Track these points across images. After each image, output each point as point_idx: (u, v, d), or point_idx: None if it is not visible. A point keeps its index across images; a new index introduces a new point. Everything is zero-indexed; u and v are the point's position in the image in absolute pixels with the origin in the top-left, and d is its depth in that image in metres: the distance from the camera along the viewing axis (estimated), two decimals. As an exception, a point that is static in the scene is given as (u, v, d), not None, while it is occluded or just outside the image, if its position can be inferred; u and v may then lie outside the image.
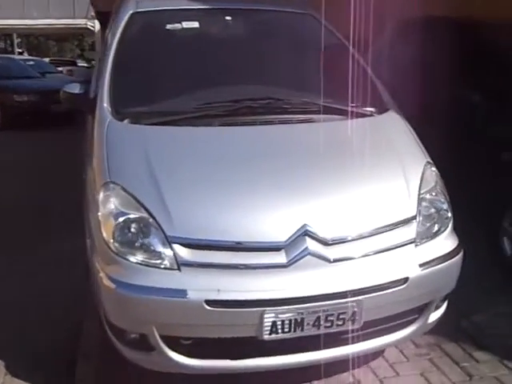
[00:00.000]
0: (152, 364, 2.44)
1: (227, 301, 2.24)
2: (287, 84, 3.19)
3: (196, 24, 3.45)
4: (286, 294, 2.27)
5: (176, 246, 2.31)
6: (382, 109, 3.07)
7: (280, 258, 2.31)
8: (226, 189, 2.46)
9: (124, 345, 2.42)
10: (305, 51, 3.41)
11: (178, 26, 3.42)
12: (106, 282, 2.35)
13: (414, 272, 2.43)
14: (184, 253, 2.30)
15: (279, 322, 2.28)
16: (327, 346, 2.38)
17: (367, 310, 2.36)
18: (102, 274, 2.38)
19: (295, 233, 2.33)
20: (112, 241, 2.36)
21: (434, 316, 2.63)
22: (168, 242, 2.31)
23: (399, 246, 2.46)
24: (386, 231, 2.45)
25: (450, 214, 2.65)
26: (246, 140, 2.74)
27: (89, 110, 3.22)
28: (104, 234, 2.40)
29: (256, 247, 2.32)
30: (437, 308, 2.62)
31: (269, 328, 2.28)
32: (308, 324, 2.31)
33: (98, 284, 2.43)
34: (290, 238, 2.32)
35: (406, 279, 2.40)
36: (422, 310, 2.56)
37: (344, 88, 3.17)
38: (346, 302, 2.32)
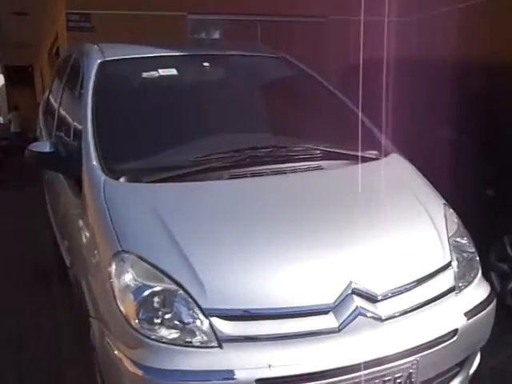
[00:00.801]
0: None
1: (282, 377, 1.97)
2: (283, 130, 3.01)
3: (174, 71, 3.22)
4: (342, 362, 2.03)
5: (214, 320, 2.01)
6: (383, 151, 2.97)
7: (330, 322, 2.07)
8: (259, 250, 2.21)
9: None
10: (292, 96, 3.28)
11: (154, 73, 3.18)
12: (132, 368, 2.00)
13: (461, 322, 2.28)
14: (224, 326, 2.01)
15: None
16: None
17: (422, 369, 2.17)
18: (124, 360, 2.03)
19: (342, 292, 2.11)
20: (135, 319, 2.03)
21: (473, 368, 2.49)
22: (204, 315, 2.01)
23: (442, 296, 2.31)
24: (428, 281, 2.30)
25: (477, 258, 2.55)
26: (261, 193, 2.51)
27: (63, 170, 2.88)
28: (124, 313, 2.05)
29: (303, 312, 2.07)
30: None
31: None
32: None
33: (117, 373, 2.07)
34: (337, 298, 2.10)
35: (455, 331, 2.25)
36: (464, 362, 2.41)
37: (341, 132, 3.08)
38: (403, 363, 2.12)
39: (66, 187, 2.97)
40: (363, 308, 2.11)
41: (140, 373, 1.98)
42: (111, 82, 3.08)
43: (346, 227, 2.36)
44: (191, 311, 2.02)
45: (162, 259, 2.13)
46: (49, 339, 3.47)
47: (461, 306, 2.33)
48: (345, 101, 3.27)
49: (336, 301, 2.10)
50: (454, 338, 2.23)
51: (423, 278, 2.29)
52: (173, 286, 2.06)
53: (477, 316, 2.34)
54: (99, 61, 3.16)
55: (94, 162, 2.57)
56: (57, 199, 3.38)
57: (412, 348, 2.13)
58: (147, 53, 3.35)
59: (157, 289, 2.06)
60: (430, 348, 2.17)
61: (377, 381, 2.08)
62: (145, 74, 3.18)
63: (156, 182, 2.48)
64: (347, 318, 2.08)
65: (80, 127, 2.82)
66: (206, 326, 2.01)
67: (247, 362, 1.97)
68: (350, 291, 2.11)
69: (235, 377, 1.94)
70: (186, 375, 1.96)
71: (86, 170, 2.57)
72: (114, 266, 2.14)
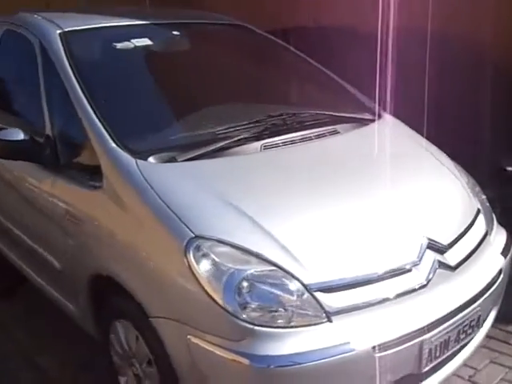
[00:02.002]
0: None
1: (395, 339, 1.95)
2: (279, 98, 2.92)
3: (148, 41, 2.93)
4: (436, 315, 2.07)
5: (318, 295, 1.91)
6: (377, 113, 3.02)
7: (418, 278, 2.09)
8: (336, 217, 2.14)
9: None
10: (274, 64, 3.19)
11: (129, 44, 2.87)
12: (239, 360, 1.83)
13: (502, 262, 2.44)
14: (328, 300, 1.92)
15: (433, 348, 2.07)
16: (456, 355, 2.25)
17: (483, 310, 2.30)
18: (225, 354, 1.86)
19: (421, 247, 2.14)
20: (235, 309, 1.85)
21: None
22: (308, 291, 1.91)
23: (483, 240, 2.45)
24: (472, 226, 2.43)
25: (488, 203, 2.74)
26: (303, 161, 2.43)
27: (47, 160, 2.50)
28: (221, 304, 1.87)
29: (395, 273, 2.06)
30: None
31: (426, 358, 2.05)
32: (451, 341, 2.15)
33: (217, 370, 1.90)
34: (419, 254, 2.12)
35: (500, 270, 2.41)
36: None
37: (330, 96, 3.07)
38: (475, 308, 2.22)
39: (46, 182, 2.59)
40: (439, 260, 2.17)
41: (251, 363, 1.83)
42: (85, 56, 2.72)
43: (395, 184, 2.38)
44: (294, 290, 1.90)
45: (244, 239, 1.96)
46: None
47: (496, 248, 2.49)
48: (318, 66, 3.25)
49: (418, 256, 2.12)
50: (501, 277, 2.39)
51: (470, 224, 2.41)
52: (268, 267, 1.92)
53: (508, 255, 2.53)
54: (59, 32, 2.77)
55: (113, 145, 2.27)
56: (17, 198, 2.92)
57: (479, 292, 2.24)
58: (105, 22, 3.01)
59: (251, 271, 1.90)
60: (489, 289, 2.30)
61: (460, 328, 2.16)
62: (118, 46, 2.85)
63: (191, 160, 2.28)
64: (430, 271, 2.12)
65: (68, 110, 2.47)
66: (312, 302, 1.90)
67: (359, 330, 1.92)
68: (426, 245, 2.15)
69: (352, 348, 1.87)
70: (302, 357, 1.84)
71: (106, 155, 2.26)
72: (191, 256, 1.92)
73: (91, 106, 2.38)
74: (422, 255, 2.12)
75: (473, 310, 2.20)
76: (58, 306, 2.84)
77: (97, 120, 2.33)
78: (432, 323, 2.04)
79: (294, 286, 1.90)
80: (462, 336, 2.19)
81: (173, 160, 2.26)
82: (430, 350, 2.05)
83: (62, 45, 2.68)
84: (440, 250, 2.20)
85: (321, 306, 1.90)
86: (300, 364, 1.83)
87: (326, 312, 1.90)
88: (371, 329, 1.93)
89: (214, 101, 2.69)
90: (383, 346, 1.92)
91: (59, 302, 2.82)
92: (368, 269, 2.02)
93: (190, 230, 1.97)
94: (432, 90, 3.43)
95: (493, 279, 2.33)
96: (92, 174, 2.33)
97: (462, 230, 2.35)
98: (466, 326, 2.19)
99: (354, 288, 1.97)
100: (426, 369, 2.08)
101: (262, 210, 2.08)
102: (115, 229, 2.23)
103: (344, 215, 2.16)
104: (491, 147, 3.82)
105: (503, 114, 3.86)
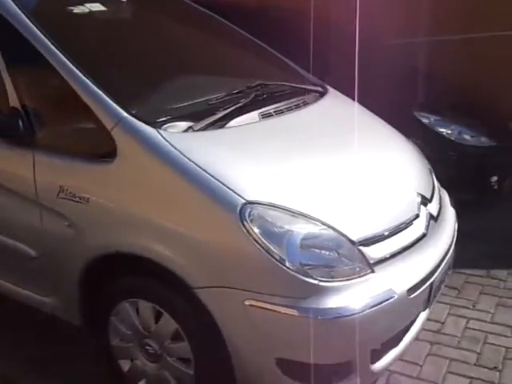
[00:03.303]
0: None
1: (421, 280, 2.20)
2: (247, 69, 2.97)
3: (101, 7, 2.75)
4: (437, 259, 2.37)
5: (362, 248, 2.07)
6: (322, 85, 3.21)
7: (421, 228, 2.36)
8: (355, 180, 2.32)
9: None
10: (223, 37, 3.19)
11: (84, 9, 2.66)
12: (309, 315, 1.92)
13: (454, 211, 2.81)
14: (370, 252, 2.09)
15: (435, 289, 2.36)
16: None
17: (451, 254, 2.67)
18: (287, 311, 1.93)
19: (418, 201, 2.41)
20: (299, 267, 1.93)
21: None
22: (355, 246, 2.06)
23: (440, 195, 2.81)
24: (435, 184, 2.77)
25: None
26: (304, 128, 2.55)
27: (16, 135, 2.27)
28: (284, 263, 1.93)
29: (407, 225, 2.30)
30: None
31: (428, 297, 2.33)
32: (442, 282, 2.48)
33: (282, 329, 1.96)
34: (418, 207, 2.39)
35: (456, 217, 2.79)
36: None
37: (281, 69, 3.19)
38: (451, 255, 2.57)
39: (16, 159, 2.34)
40: (429, 212, 2.47)
41: (318, 317, 1.93)
42: (48, 21, 2.44)
43: (381, 146, 2.64)
44: (344, 246, 2.03)
45: (292, 202, 2.03)
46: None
47: (447, 200, 2.89)
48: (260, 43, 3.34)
49: (418, 209, 2.38)
50: (456, 223, 2.78)
51: (434, 182, 2.76)
52: (319, 226, 2.02)
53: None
54: None
55: (125, 114, 2.14)
56: None
57: (452, 238, 2.60)
58: None
59: (307, 231, 1.99)
60: (454, 236, 2.68)
61: (445, 269, 2.48)
62: (75, 10, 2.62)
63: (203, 129, 2.25)
64: (427, 222, 2.40)
65: (45, 79, 2.27)
66: (359, 256, 2.05)
67: (396, 277, 2.12)
68: (420, 199, 2.43)
69: (395, 293, 2.07)
70: (358, 307, 1.98)
71: (119, 126, 2.11)
72: (248, 222, 1.94)
73: (85, 75, 2.19)
74: (419, 208, 2.41)
75: (451, 253, 2.56)
76: (22, 302, 2.58)
77: (98, 89, 2.16)
78: (436, 266, 2.34)
79: (343, 242, 2.03)
80: (445, 277, 2.53)
81: (189, 130, 2.21)
82: (434, 290, 2.35)
83: (20, 9, 2.38)
84: (425, 202, 2.50)
85: (365, 258, 2.07)
86: (357, 313, 1.97)
87: (369, 264, 2.07)
88: (403, 274, 2.16)
89: (190, 71, 2.66)
90: (413, 289, 2.16)
91: (24, 297, 2.56)
92: (390, 222, 2.23)
93: (241, 197, 1.98)
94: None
95: (454, 231, 2.72)
96: (95, 148, 2.16)
97: (434, 185, 2.69)
98: (448, 267, 2.54)
99: (384, 240, 2.17)
100: (431, 307, 2.37)
101: (296, 174, 2.17)
102: (138, 204, 2.11)
103: (360, 177, 2.35)
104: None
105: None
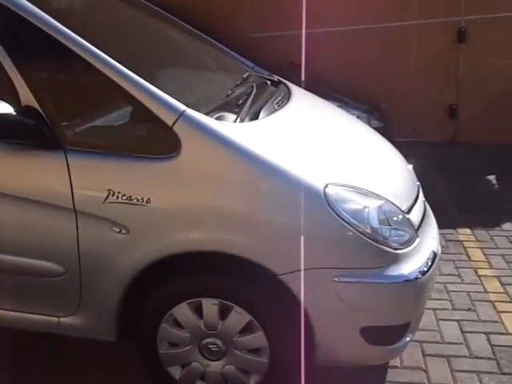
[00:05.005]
0: (392, 354, 2.36)
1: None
2: (222, 63, 3.00)
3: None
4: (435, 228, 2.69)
5: (409, 218, 2.30)
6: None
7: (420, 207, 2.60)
8: (376, 160, 2.58)
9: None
10: (179, 32, 3.11)
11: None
12: (395, 280, 2.11)
13: None
14: (413, 220, 2.34)
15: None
16: None
17: None
18: (381, 280, 2.10)
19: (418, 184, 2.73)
20: (381, 238, 2.11)
21: None
22: (406, 217, 2.28)
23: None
24: None
25: None
26: (313, 115, 2.68)
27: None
28: (371, 237, 2.09)
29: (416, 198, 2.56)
30: None
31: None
32: None
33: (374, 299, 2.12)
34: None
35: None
36: None
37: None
38: None
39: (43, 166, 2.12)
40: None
41: (403, 282, 2.11)
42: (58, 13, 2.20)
43: (364, 138, 2.89)
44: (402, 217, 2.24)
45: (357, 181, 2.20)
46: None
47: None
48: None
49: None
50: None
51: None
52: (383, 201, 2.19)
53: None
54: None
55: (185, 108, 2.05)
56: None
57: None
58: None
59: (380, 205, 2.16)
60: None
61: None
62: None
63: (248, 120, 2.28)
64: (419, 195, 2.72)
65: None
66: (410, 225, 2.28)
67: (429, 238, 2.40)
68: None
69: (436, 253, 2.36)
70: (426, 268, 2.21)
71: (181, 121, 2.03)
72: (333, 202, 2.05)
73: (136, 74, 2.06)
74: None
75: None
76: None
77: (148, 84, 2.05)
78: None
79: (400, 213, 2.25)
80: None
81: (237, 121, 2.20)
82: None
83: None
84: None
85: (413, 227, 2.31)
86: (427, 273, 2.21)
87: (415, 230, 2.32)
88: (430, 237, 2.44)
89: (194, 68, 2.68)
90: (437, 250, 2.47)
91: (37, 323, 2.29)
92: (409, 197, 2.47)
93: (321, 180, 2.07)
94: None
95: None
96: (154, 145, 2.04)
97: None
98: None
99: (411, 210, 2.41)
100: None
101: (345, 158, 2.33)
102: (211, 197, 2.05)
103: (375, 158, 2.62)
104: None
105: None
